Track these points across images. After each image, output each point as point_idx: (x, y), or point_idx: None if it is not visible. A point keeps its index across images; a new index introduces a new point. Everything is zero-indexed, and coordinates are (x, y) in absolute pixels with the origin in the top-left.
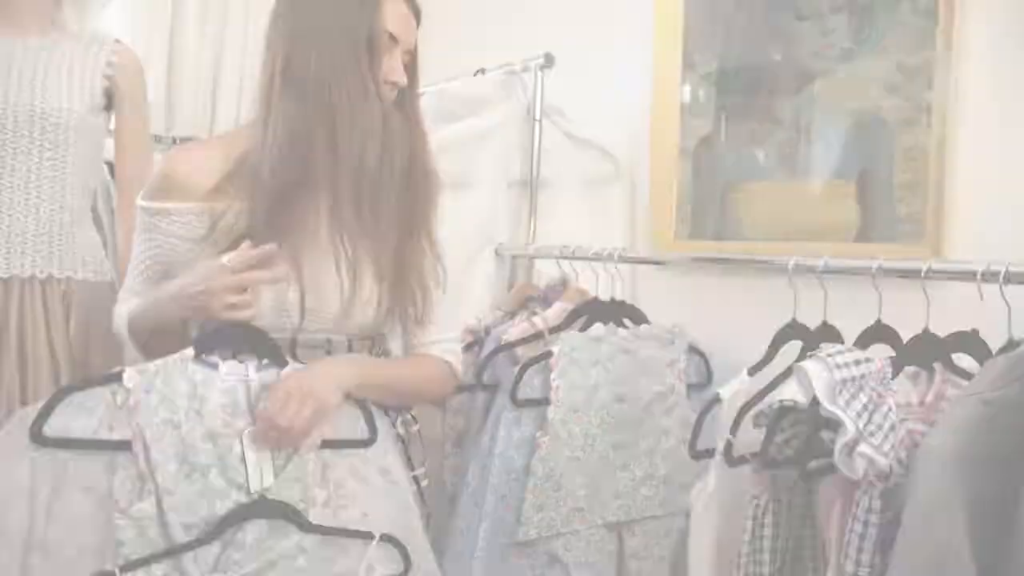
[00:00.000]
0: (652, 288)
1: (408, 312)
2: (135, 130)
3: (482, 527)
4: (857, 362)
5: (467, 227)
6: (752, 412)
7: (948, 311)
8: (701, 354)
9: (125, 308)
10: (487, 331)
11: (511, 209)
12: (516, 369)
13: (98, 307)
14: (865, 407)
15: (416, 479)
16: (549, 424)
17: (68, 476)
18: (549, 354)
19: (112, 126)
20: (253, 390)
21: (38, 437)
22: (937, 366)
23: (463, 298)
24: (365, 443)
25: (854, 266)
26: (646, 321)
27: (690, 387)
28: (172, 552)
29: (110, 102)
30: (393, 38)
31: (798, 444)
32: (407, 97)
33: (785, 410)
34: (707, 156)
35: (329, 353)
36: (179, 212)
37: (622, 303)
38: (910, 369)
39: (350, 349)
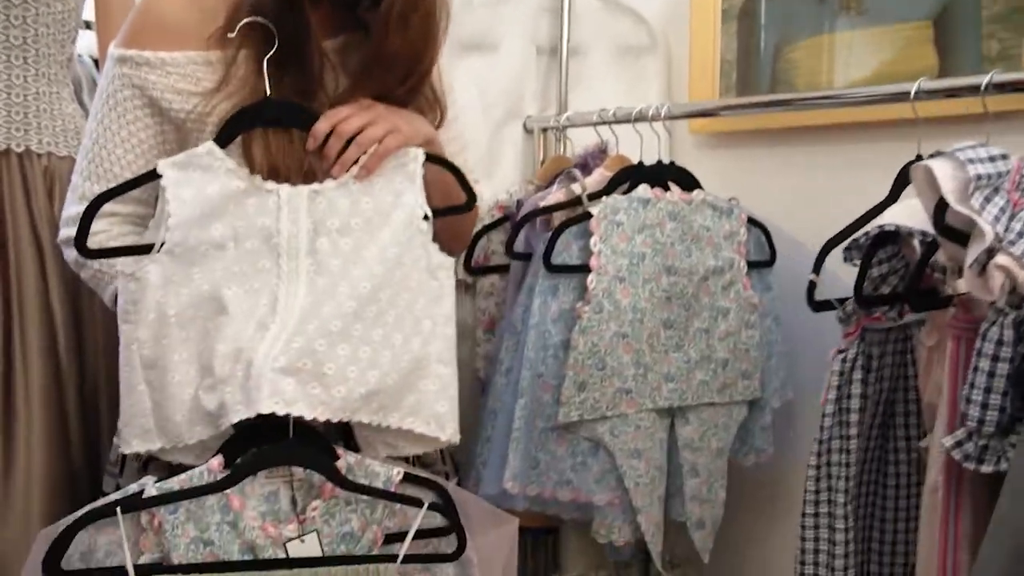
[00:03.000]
0: (694, 163)
1: None
2: None
3: (518, 405)
4: (992, 158)
5: (491, 94)
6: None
7: None
8: (763, 228)
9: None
10: (519, 205)
11: (539, 78)
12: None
13: None
14: (1003, 210)
15: None
16: (591, 294)
17: None
18: (588, 216)
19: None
20: (300, 489)
21: (55, 572)
22: None
23: (491, 171)
24: (452, 556)
25: (956, 85)
26: (698, 186)
27: (750, 264)
28: None
29: None
30: None
31: (904, 275)
32: None
33: (884, 237)
34: (754, 15)
35: None
36: (177, 63)
37: (670, 165)
38: None
39: None
